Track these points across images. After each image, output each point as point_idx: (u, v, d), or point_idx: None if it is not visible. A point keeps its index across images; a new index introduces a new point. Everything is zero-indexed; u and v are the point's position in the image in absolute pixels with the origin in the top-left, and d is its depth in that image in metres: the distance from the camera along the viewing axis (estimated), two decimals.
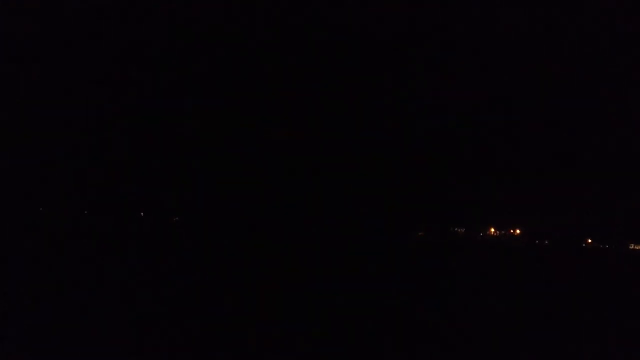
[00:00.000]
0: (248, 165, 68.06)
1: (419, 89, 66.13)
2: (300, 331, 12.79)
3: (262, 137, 67.15)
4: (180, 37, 64.82)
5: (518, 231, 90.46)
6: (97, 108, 67.21)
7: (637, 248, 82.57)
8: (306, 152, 67.89)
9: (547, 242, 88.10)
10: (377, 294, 21.06)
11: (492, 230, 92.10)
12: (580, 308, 21.10)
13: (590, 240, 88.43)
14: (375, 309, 17.24)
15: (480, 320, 16.88)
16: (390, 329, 14.06)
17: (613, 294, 27.40)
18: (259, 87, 66.70)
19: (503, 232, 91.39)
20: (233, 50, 65.70)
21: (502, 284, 28.71)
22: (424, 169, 71.98)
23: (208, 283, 21.50)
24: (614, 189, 73.83)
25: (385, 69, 65.26)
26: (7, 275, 20.27)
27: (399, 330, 13.95)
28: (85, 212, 71.98)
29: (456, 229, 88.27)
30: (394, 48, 64.05)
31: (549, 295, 25.27)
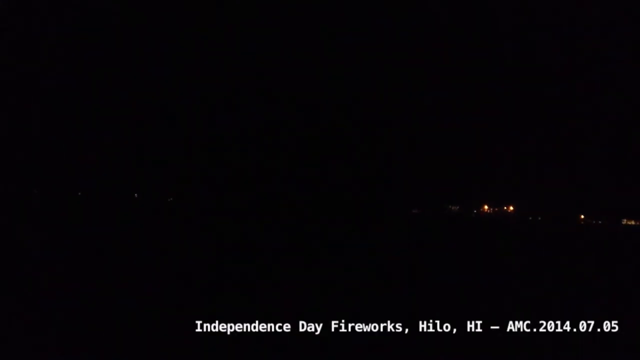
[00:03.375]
0: (239, 145, 68.03)
1: (414, 71, 66.19)
2: (297, 303, 12.98)
3: (253, 120, 67.17)
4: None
5: (511, 208, 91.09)
6: (91, 92, 67.30)
7: (630, 223, 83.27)
8: (300, 132, 67.91)
9: (540, 219, 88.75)
10: (373, 271, 21.22)
11: (486, 207, 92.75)
12: (573, 283, 21.33)
13: (582, 216, 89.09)
14: (370, 287, 17.43)
15: (475, 298, 17.09)
16: (385, 305, 14.25)
17: (606, 269, 27.66)
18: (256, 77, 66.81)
19: (496, 209, 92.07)
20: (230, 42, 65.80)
21: (496, 260, 28.95)
22: (419, 147, 72.22)
23: (203, 266, 21.60)
24: (606, 166, 74.26)
25: (383, 55, 65.27)
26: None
27: (393, 306, 14.15)
28: (79, 193, 71.94)
29: (450, 206, 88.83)
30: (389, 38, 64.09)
31: (542, 271, 25.52)
